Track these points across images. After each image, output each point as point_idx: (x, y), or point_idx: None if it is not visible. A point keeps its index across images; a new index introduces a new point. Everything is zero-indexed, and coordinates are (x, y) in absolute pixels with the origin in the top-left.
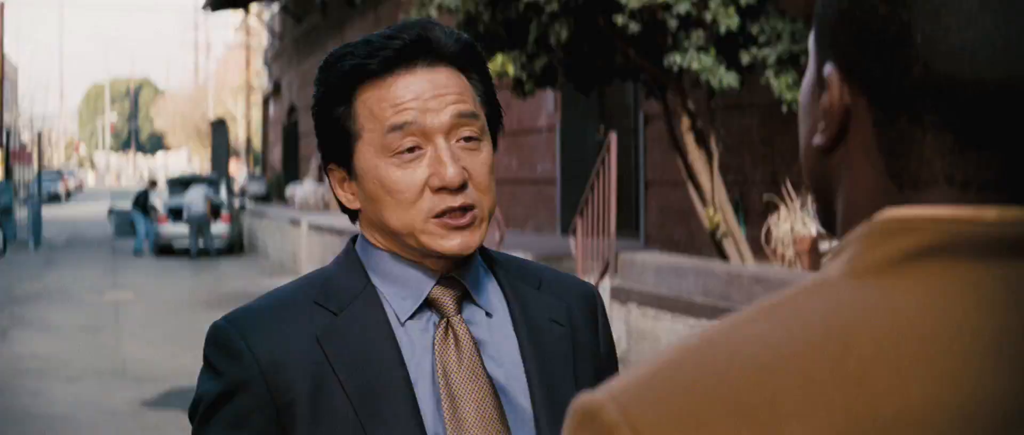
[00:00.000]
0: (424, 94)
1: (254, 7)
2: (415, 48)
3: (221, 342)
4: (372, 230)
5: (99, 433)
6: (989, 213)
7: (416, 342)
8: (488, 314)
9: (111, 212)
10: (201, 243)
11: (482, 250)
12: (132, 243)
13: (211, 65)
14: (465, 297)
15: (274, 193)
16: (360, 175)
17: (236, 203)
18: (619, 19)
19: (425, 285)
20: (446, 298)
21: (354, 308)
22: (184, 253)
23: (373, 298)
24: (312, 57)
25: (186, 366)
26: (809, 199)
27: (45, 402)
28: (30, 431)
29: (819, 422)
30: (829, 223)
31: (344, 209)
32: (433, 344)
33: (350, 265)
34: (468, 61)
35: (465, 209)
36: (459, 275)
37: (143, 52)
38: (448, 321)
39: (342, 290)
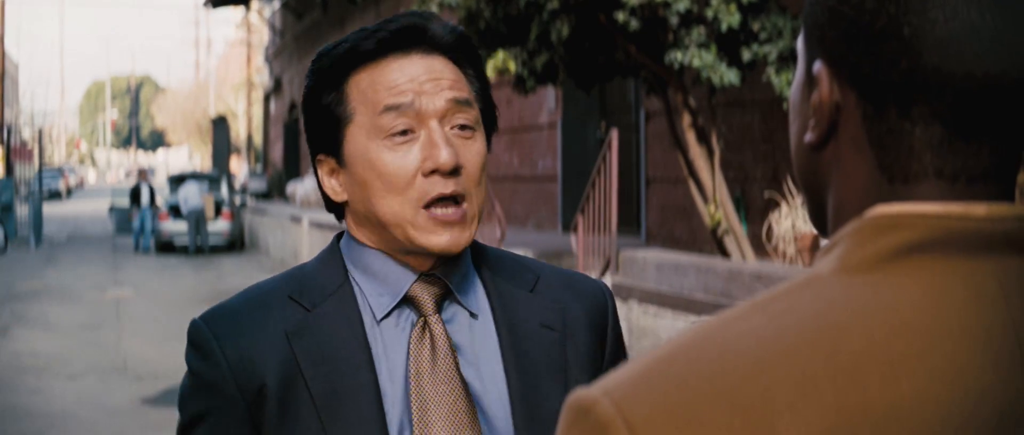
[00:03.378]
0: (419, 77)
1: (255, 4)
2: (410, 34)
3: (195, 341)
4: (358, 223)
5: (99, 430)
6: (978, 209)
7: (391, 341)
8: (473, 315)
9: (112, 209)
10: (199, 240)
11: (476, 247)
12: (131, 240)
13: (212, 62)
14: (448, 296)
15: (275, 190)
16: (349, 161)
17: (237, 200)
18: (620, 16)
19: (404, 282)
20: (425, 296)
21: (327, 305)
22: (184, 250)
23: (349, 295)
24: (313, 53)
25: None
26: None
27: (45, 400)
28: (30, 429)
29: (811, 416)
30: (820, 221)
31: (329, 205)
32: (408, 344)
33: (330, 261)
34: (463, 54)
35: (457, 200)
36: (443, 272)
37: (144, 49)
38: (425, 320)
39: (318, 286)
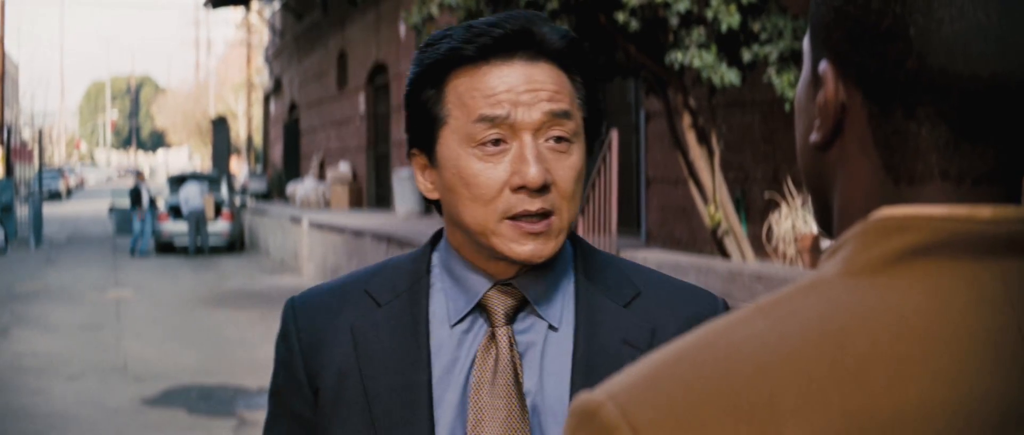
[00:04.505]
0: (517, 87)
1: (255, 4)
2: (516, 39)
3: (282, 318)
4: (449, 223)
5: (100, 431)
6: (984, 211)
7: (461, 347)
8: (553, 327)
9: (111, 210)
10: (199, 240)
11: (585, 252)
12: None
13: (212, 62)
14: (526, 306)
15: (275, 191)
16: (441, 163)
17: (237, 201)
18: (620, 16)
19: (479, 289)
20: (497, 306)
21: (398, 303)
22: (185, 251)
23: (421, 295)
24: (313, 54)
25: (187, 364)
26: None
27: (46, 400)
28: (31, 429)
29: (817, 421)
30: (825, 222)
31: (426, 200)
32: (476, 352)
33: (419, 257)
34: (572, 60)
35: (543, 215)
36: (522, 283)
37: (144, 49)
38: (493, 332)
39: (395, 282)
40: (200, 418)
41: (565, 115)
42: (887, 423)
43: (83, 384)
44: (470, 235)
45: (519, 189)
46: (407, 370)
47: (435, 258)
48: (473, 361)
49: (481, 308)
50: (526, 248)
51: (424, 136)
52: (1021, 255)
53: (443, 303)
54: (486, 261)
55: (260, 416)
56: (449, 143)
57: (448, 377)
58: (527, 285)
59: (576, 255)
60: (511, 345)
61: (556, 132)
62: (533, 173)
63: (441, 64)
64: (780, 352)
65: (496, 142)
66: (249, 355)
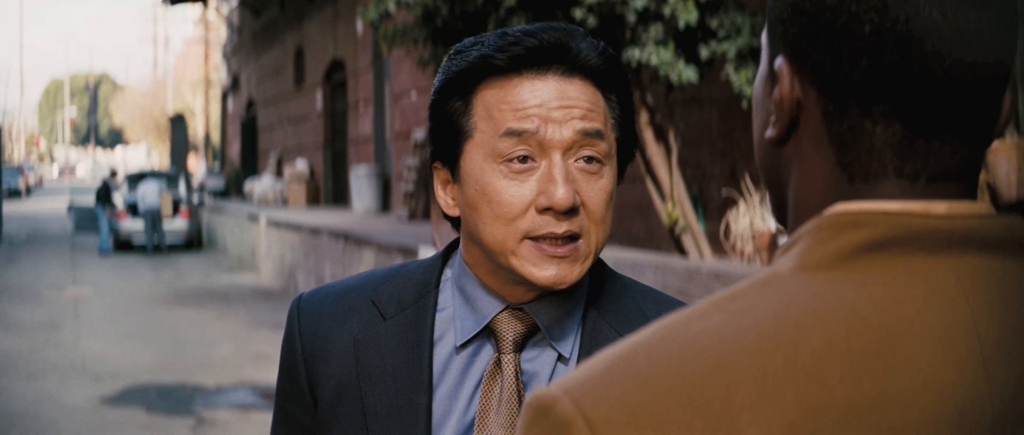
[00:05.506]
0: (549, 102)
1: (213, 1)
2: (551, 52)
3: (288, 318)
4: (466, 240)
5: (58, 430)
6: (939, 207)
7: (466, 370)
8: (563, 358)
9: (70, 208)
10: (156, 238)
11: (602, 281)
12: (97, 241)
13: (170, 59)
14: (537, 333)
15: (233, 188)
16: (463, 178)
17: (195, 198)
18: (577, 13)
19: (489, 311)
20: (507, 331)
21: (402, 318)
22: (143, 249)
23: (426, 310)
24: (270, 51)
25: (145, 362)
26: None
27: (4, 399)
28: None
29: (772, 415)
30: (782, 217)
31: (445, 216)
32: (481, 378)
33: (429, 269)
34: (609, 78)
35: (570, 238)
36: (534, 309)
37: (103, 46)
38: (499, 358)
39: (402, 294)
40: (158, 417)
41: (597, 135)
42: (842, 417)
43: (42, 383)
44: (488, 255)
45: (545, 210)
46: (407, 390)
47: (447, 272)
48: (476, 386)
49: (489, 332)
50: (548, 272)
51: (448, 149)
52: (975, 251)
53: (450, 322)
54: (502, 284)
55: (218, 415)
56: (474, 158)
57: (451, 401)
58: (539, 311)
59: (592, 281)
60: (516, 374)
61: (587, 152)
62: (561, 194)
63: (470, 73)
64: (735, 347)
65: (523, 159)
66: (207, 353)
